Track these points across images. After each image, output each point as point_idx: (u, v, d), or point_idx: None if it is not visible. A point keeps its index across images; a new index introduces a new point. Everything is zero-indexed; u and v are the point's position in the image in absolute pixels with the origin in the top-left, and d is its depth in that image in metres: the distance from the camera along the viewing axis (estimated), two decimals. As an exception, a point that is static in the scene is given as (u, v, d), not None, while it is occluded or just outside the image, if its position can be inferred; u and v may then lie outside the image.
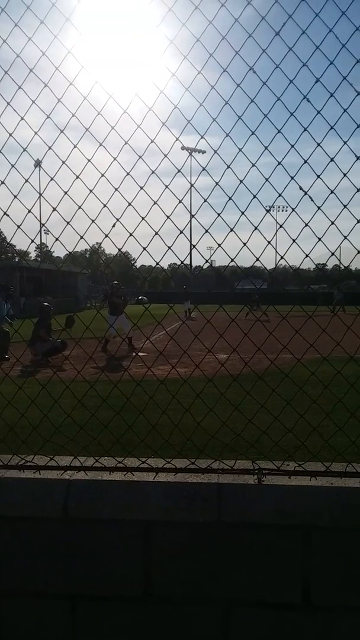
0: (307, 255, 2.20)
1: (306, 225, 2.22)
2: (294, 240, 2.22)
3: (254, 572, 2.19)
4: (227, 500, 2.20)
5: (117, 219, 2.26)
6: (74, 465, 2.41)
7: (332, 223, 2.18)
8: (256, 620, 2.19)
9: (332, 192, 2.19)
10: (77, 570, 2.27)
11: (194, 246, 2.30)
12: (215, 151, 2.28)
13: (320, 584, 2.15)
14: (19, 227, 2.35)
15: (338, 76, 2.25)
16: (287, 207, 2.39)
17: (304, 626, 2.17)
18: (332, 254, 2.30)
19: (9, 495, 2.32)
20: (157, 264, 2.28)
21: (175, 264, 2.64)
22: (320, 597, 2.15)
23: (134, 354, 12.75)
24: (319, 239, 2.25)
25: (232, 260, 2.37)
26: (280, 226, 2.28)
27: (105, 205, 2.27)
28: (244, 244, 2.25)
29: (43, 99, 2.42)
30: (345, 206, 2.22)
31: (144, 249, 2.24)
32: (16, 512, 2.30)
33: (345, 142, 2.26)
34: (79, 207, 2.29)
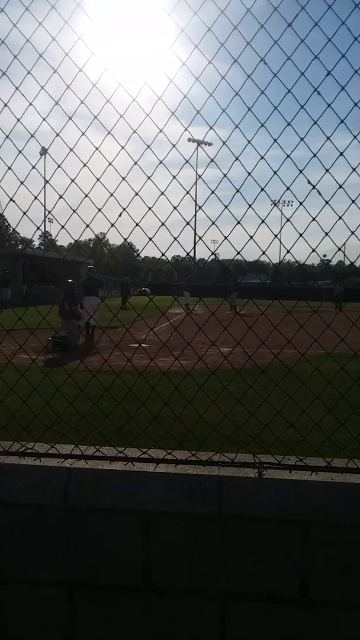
0: (313, 250, 2.19)
1: (313, 219, 2.21)
2: (300, 235, 2.20)
3: (252, 566, 2.19)
4: (227, 493, 2.20)
5: (124, 209, 2.24)
6: (75, 454, 2.41)
7: (340, 218, 2.16)
8: (254, 613, 2.20)
9: (340, 186, 2.17)
10: (76, 558, 2.28)
11: (200, 238, 2.29)
12: (224, 142, 2.26)
13: (319, 579, 2.16)
14: (24, 213, 2.34)
15: (350, 69, 2.22)
16: (293, 201, 2.38)
17: (301, 621, 2.17)
18: (339, 249, 2.28)
19: (9, 482, 2.32)
20: (163, 254, 2.27)
21: (179, 255, 2.63)
22: (319, 592, 2.16)
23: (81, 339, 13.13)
24: (326, 234, 2.24)
25: (238, 252, 2.35)
26: (288, 220, 2.27)
27: (112, 195, 2.26)
28: (251, 237, 2.24)
29: (52, 85, 2.40)
30: (353, 201, 2.20)
31: (150, 239, 2.23)
32: (16, 498, 2.31)
33: (355, 137, 2.24)
34: (86, 195, 2.28)
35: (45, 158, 2.82)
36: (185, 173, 2.38)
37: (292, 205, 2.33)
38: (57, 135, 2.33)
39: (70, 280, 14.02)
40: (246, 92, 2.31)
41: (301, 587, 2.16)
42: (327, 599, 2.16)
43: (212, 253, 2.53)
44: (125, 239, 2.39)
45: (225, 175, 2.28)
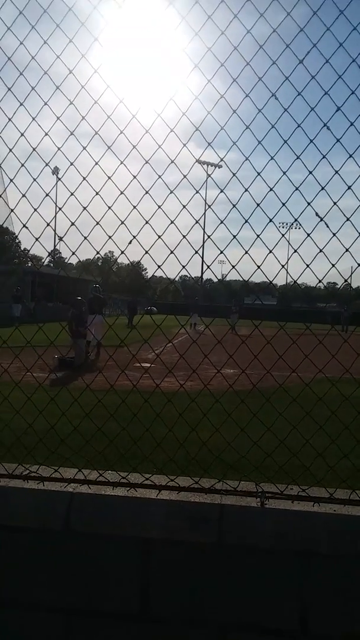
0: (320, 281, 2.22)
1: (320, 251, 2.24)
2: (307, 266, 2.23)
3: (252, 596, 2.17)
4: (229, 522, 2.19)
5: (134, 237, 2.29)
6: (78, 479, 2.42)
7: (347, 250, 2.19)
8: (252, 645, 2.18)
9: (348, 219, 2.20)
10: (75, 583, 2.27)
11: (209, 267, 2.32)
12: (234, 174, 2.30)
13: (319, 612, 2.14)
14: (37, 239, 2.39)
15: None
16: (299, 225, 2.41)
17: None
18: (346, 280, 2.31)
19: (12, 505, 2.33)
20: (172, 282, 2.30)
21: (186, 276, 2.66)
22: (319, 625, 2.13)
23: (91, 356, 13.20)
24: (333, 265, 2.27)
25: (246, 282, 2.38)
26: (295, 251, 2.30)
27: (122, 223, 2.30)
28: (258, 267, 2.27)
29: (65, 106, 2.46)
30: (360, 234, 2.23)
31: (159, 267, 2.27)
32: (18, 521, 2.31)
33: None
34: (97, 223, 2.33)
35: (56, 178, 2.88)
36: (192, 195, 2.43)
37: (299, 229, 2.36)
38: (72, 164, 2.38)
39: (79, 298, 14.10)
40: (257, 119, 2.37)
41: (301, 619, 2.14)
42: (327, 633, 2.14)
43: (221, 280, 2.57)
44: (132, 263, 2.42)
45: (234, 206, 2.32)
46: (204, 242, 2.40)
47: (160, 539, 2.23)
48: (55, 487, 2.38)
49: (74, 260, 2.49)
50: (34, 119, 2.34)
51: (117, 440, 2.65)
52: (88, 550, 2.28)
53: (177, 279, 2.45)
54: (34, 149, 2.38)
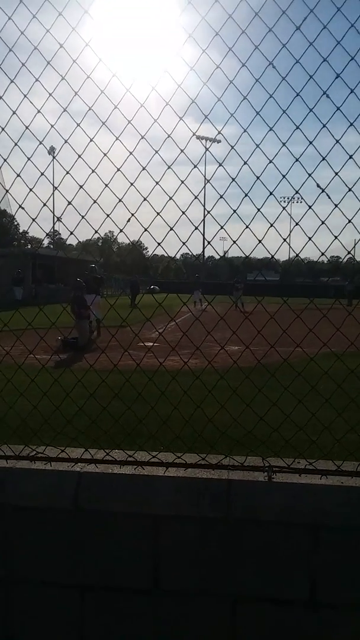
0: (322, 254, 2.19)
1: (322, 223, 2.20)
2: (309, 239, 2.20)
3: (261, 569, 2.20)
4: (237, 497, 2.20)
5: (132, 214, 2.25)
6: (85, 458, 2.43)
7: (349, 221, 2.16)
8: (262, 615, 2.21)
9: (350, 189, 2.16)
10: (87, 561, 2.30)
11: (209, 242, 2.29)
12: (232, 147, 2.25)
13: (328, 583, 2.16)
14: (34, 220, 2.36)
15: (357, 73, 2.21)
16: (300, 199, 2.37)
17: (309, 623, 2.18)
18: (349, 252, 2.28)
19: (20, 486, 2.35)
20: (172, 259, 2.28)
21: (188, 254, 2.63)
22: (327, 595, 2.16)
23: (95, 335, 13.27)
24: (336, 237, 2.24)
25: (247, 257, 2.35)
26: (297, 224, 2.26)
27: (120, 200, 2.27)
28: (260, 242, 2.24)
29: (61, 85, 2.41)
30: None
31: (159, 244, 2.24)
32: (27, 502, 2.33)
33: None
34: (94, 202, 2.30)
35: (53, 159, 2.84)
36: (194, 170, 2.39)
37: (302, 202, 2.32)
38: (65, 142, 2.34)
39: (78, 280, 14.06)
40: (255, 91, 2.31)
41: (310, 590, 2.17)
42: (335, 602, 2.17)
43: (222, 256, 2.54)
44: (132, 243, 2.40)
45: (233, 179, 2.28)
46: (204, 218, 2.37)
47: (168, 515, 2.25)
48: (62, 467, 2.39)
49: (73, 241, 2.47)
50: (25, 96, 2.29)
51: (122, 420, 2.66)
52: (98, 529, 2.30)
53: (178, 256, 2.42)
54: (26, 127, 2.34)
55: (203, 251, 2.67)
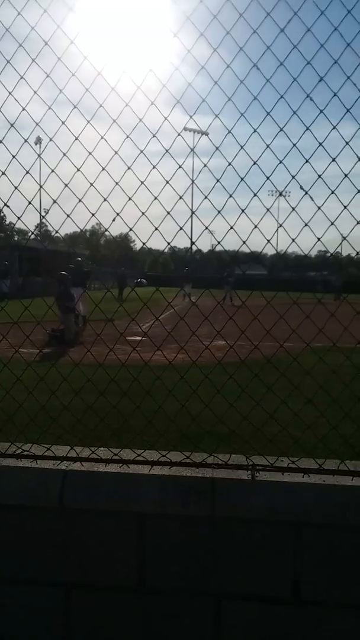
0: (305, 255, 2.21)
1: (306, 225, 2.22)
2: (293, 240, 2.22)
3: (245, 567, 2.23)
4: (221, 495, 2.23)
5: (117, 214, 2.25)
6: (71, 456, 2.44)
7: (332, 224, 2.18)
8: (246, 613, 2.24)
9: (332, 192, 2.18)
10: (72, 559, 2.31)
11: (193, 243, 2.30)
12: (217, 148, 2.26)
13: (310, 580, 2.20)
14: (19, 218, 2.35)
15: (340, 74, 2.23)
16: (290, 191, 2.38)
17: (293, 620, 2.22)
18: (344, 238, 2.29)
19: (6, 484, 2.35)
20: (157, 259, 2.28)
21: (176, 246, 2.63)
22: (310, 592, 2.20)
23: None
24: (319, 239, 2.26)
25: (236, 253, 2.37)
26: (280, 225, 2.28)
27: (105, 199, 2.26)
28: (244, 243, 2.25)
29: (44, 72, 2.38)
30: (345, 207, 2.21)
31: (144, 244, 2.24)
32: (12, 500, 2.34)
33: (347, 143, 2.24)
34: (80, 200, 2.29)
35: (40, 150, 2.81)
36: (186, 162, 2.38)
37: (290, 196, 2.33)
38: (51, 140, 2.32)
39: (63, 273, 13.96)
40: (246, 82, 2.31)
41: (293, 588, 2.21)
42: (318, 599, 2.21)
43: (212, 249, 2.54)
44: (117, 237, 2.40)
45: (218, 180, 2.29)
46: (192, 213, 2.37)
47: (154, 514, 2.27)
48: (48, 465, 2.40)
49: (61, 233, 2.45)
50: (10, 93, 2.27)
51: (108, 417, 2.67)
52: (83, 527, 2.32)
53: (166, 250, 2.43)
54: (11, 125, 2.32)
55: (191, 245, 2.67)
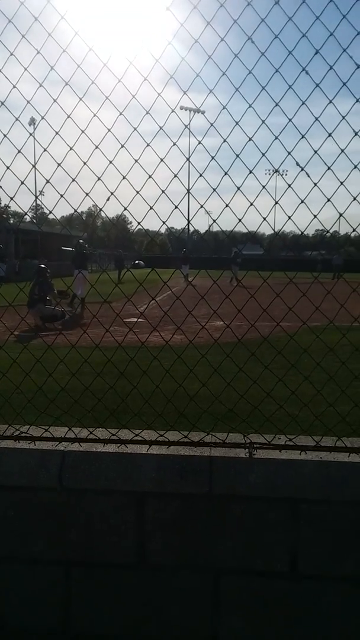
0: (302, 233, 2.19)
1: (302, 201, 2.20)
2: (289, 218, 2.20)
3: (243, 542, 2.26)
4: (219, 473, 2.25)
5: (112, 193, 2.23)
6: (69, 437, 2.45)
7: (329, 200, 2.16)
8: (245, 587, 2.27)
9: (329, 168, 2.15)
10: (72, 538, 2.34)
11: (189, 222, 2.28)
12: (211, 124, 2.22)
13: (308, 554, 2.23)
14: (11, 198, 2.32)
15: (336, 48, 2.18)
16: (288, 170, 2.35)
17: (291, 594, 2.25)
18: (341, 215, 2.27)
19: (4, 465, 2.36)
20: (152, 238, 2.26)
21: (173, 227, 2.61)
22: (307, 566, 2.23)
23: (69, 311, 13.32)
24: (315, 216, 2.24)
25: (230, 232, 2.35)
26: (277, 203, 2.26)
27: (99, 179, 2.23)
28: (240, 220, 2.23)
29: (41, 50, 2.33)
30: (342, 183, 2.18)
31: (139, 223, 2.22)
32: (11, 481, 2.35)
33: (343, 117, 2.21)
34: (73, 180, 2.26)
35: (34, 130, 2.78)
36: (180, 141, 2.35)
37: (287, 175, 2.31)
38: (43, 118, 2.29)
39: (42, 266, 13.83)
40: (238, 64, 2.27)
41: (290, 562, 2.24)
42: (315, 573, 2.24)
43: (207, 230, 2.52)
44: (111, 221, 2.37)
45: (213, 157, 2.26)
46: (188, 191, 2.34)
47: (152, 492, 2.28)
48: (46, 446, 2.41)
49: (57, 215, 2.42)
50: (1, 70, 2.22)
51: (106, 398, 2.67)
52: (83, 506, 2.33)
53: (162, 231, 2.40)
54: (2, 103, 2.28)
55: (188, 226, 2.65)
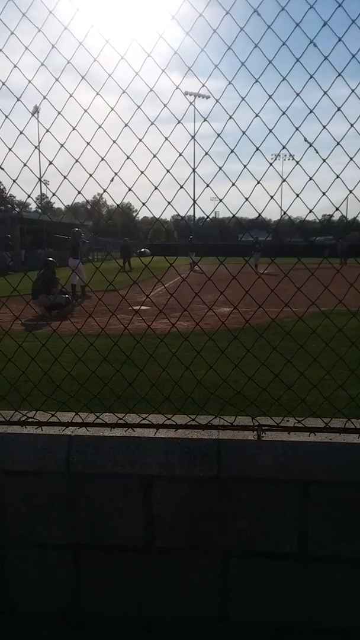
0: (310, 211, 2.14)
1: (310, 179, 2.15)
2: (297, 195, 2.15)
3: (252, 525, 2.24)
4: (227, 456, 2.23)
5: (116, 173, 2.19)
6: (76, 422, 2.44)
7: (338, 177, 2.11)
8: (254, 569, 2.27)
9: (338, 143, 2.10)
10: (80, 522, 2.33)
11: (195, 202, 2.24)
12: (217, 100, 2.17)
13: (317, 536, 2.21)
14: (14, 181, 2.28)
15: (347, 19, 2.12)
16: (294, 154, 2.31)
17: (300, 576, 2.24)
18: (337, 208, 2.23)
19: (12, 450, 2.36)
20: (157, 219, 2.22)
21: (179, 215, 2.58)
22: (317, 548, 2.22)
23: (74, 302, 13.35)
24: (324, 194, 2.19)
25: (234, 215, 2.31)
26: (284, 180, 2.21)
27: (103, 159, 2.20)
28: (246, 199, 2.19)
29: (38, 39, 2.29)
30: (351, 159, 2.13)
31: (144, 204, 2.18)
32: (19, 466, 2.34)
33: (353, 90, 2.15)
34: (76, 161, 2.23)
35: (37, 117, 2.74)
36: (182, 128, 2.31)
37: (292, 160, 2.27)
38: (44, 97, 2.24)
39: (50, 259, 13.83)
40: (241, 42, 2.21)
41: (300, 544, 2.22)
42: (324, 554, 2.22)
43: (207, 217, 2.49)
44: (118, 205, 2.34)
45: (219, 135, 2.21)
46: (193, 174, 2.30)
47: (160, 476, 2.27)
48: (53, 431, 2.40)
49: (62, 205, 2.39)
50: (0, 49, 2.18)
51: (112, 383, 2.65)
52: (90, 490, 2.32)
53: (168, 218, 2.36)
54: (2, 83, 2.24)
55: (194, 207, 2.60)
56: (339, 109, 2.09)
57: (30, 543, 2.38)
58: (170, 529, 2.29)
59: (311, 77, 2.10)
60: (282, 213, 2.27)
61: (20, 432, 2.40)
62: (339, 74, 2.08)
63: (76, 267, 13.84)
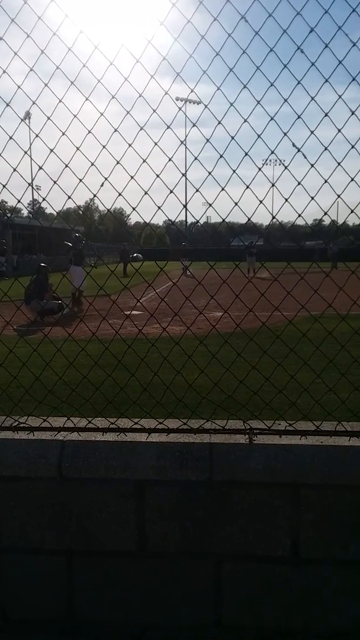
0: (299, 215, 2.16)
1: (299, 183, 2.17)
2: (286, 200, 2.17)
3: (244, 528, 2.25)
4: (219, 460, 2.23)
5: (106, 178, 2.19)
6: (68, 427, 2.43)
7: (326, 181, 2.13)
8: (246, 573, 2.27)
9: (326, 148, 2.12)
10: (73, 527, 2.33)
11: (184, 206, 2.25)
12: (205, 106, 2.19)
13: (309, 539, 2.22)
14: (4, 186, 2.29)
15: (333, 25, 2.15)
16: (284, 159, 2.33)
17: (292, 578, 2.25)
18: (325, 212, 2.25)
19: (4, 456, 2.35)
20: (147, 224, 2.23)
21: (171, 220, 2.59)
22: (308, 551, 2.22)
23: (75, 309, 13.35)
24: (312, 198, 2.21)
25: (223, 220, 2.32)
26: (273, 185, 2.22)
27: (92, 164, 2.20)
28: (236, 203, 2.20)
29: (29, 45, 2.30)
30: (339, 164, 2.15)
31: (134, 209, 2.19)
32: (11, 472, 2.34)
33: (340, 96, 2.17)
34: (66, 166, 2.23)
35: (28, 123, 2.75)
36: (178, 133, 2.32)
37: (282, 165, 2.29)
38: (34, 103, 2.25)
39: (43, 265, 13.84)
40: (230, 49, 2.24)
41: (292, 547, 2.23)
42: (316, 557, 2.23)
43: (197, 221, 2.50)
44: (108, 210, 2.35)
45: (207, 140, 2.23)
46: (184, 179, 2.31)
47: (153, 480, 2.27)
48: (45, 436, 2.39)
49: (54, 210, 2.39)
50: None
51: (104, 388, 2.65)
52: (83, 495, 2.32)
53: (160, 223, 2.37)
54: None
55: (186, 212, 2.62)
56: (326, 115, 2.11)
57: (22, 549, 2.37)
58: (163, 533, 2.29)
59: (299, 82, 2.12)
60: (272, 217, 2.28)
61: (12, 438, 2.39)
62: (326, 80, 2.11)
63: (78, 273, 13.80)
